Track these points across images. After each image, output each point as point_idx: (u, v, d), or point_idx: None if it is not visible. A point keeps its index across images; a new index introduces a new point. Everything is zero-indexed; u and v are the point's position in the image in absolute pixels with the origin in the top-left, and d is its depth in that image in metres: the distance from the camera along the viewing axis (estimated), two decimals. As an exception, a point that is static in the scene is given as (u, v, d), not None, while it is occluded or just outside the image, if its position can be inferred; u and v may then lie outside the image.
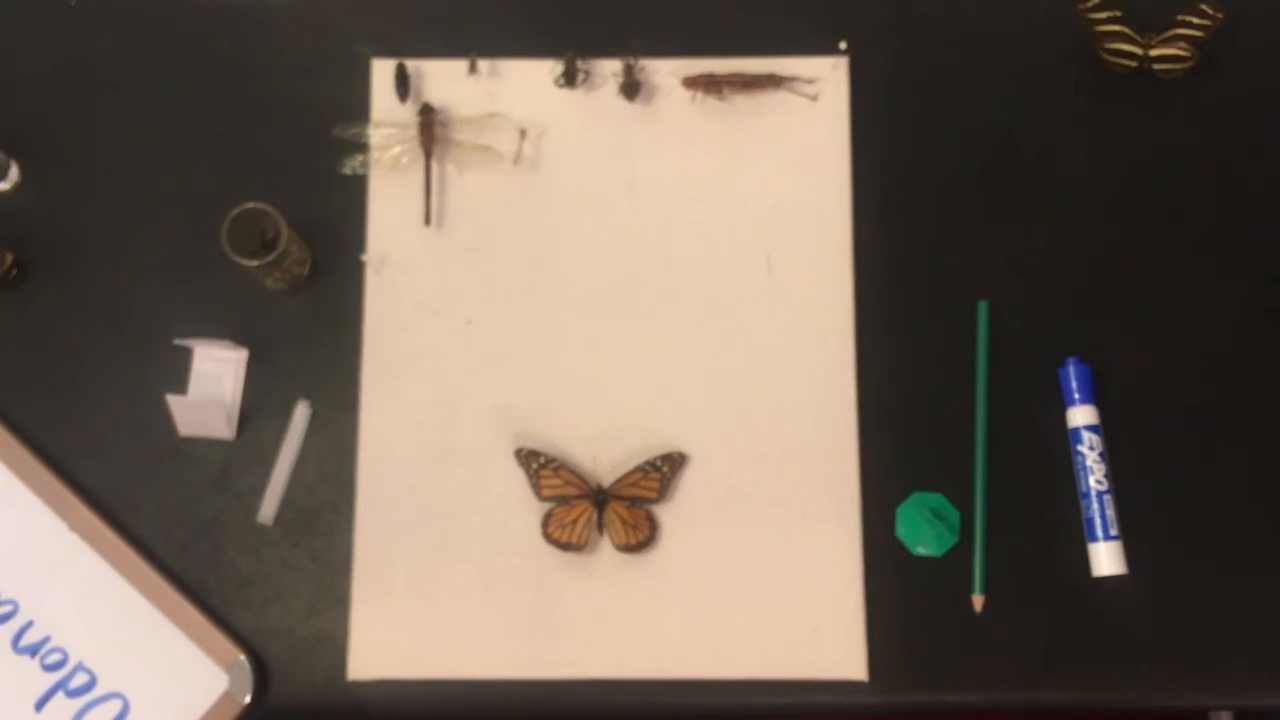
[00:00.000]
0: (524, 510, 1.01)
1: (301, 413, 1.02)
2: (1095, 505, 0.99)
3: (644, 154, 1.07)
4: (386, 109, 1.07)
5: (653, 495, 1.01)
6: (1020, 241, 1.05)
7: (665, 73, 1.08)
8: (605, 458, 1.02)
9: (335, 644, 1.00)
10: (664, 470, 1.01)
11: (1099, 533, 0.99)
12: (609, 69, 1.07)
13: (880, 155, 1.06)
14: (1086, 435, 1.00)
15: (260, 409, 1.03)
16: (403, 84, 1.07)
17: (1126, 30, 1.05)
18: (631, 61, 1.07)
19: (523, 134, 1.07)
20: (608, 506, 1.00)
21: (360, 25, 1.09)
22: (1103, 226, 1.05)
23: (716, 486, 1.02)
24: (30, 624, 0.99)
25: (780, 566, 1.00)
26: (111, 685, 0.98)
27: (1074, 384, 1.01)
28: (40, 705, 0.98)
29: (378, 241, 1.05)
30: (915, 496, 1.01)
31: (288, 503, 1.02)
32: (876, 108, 1.07)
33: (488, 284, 1.05)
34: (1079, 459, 1.00)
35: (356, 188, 1.06)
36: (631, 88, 1.06)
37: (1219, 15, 1.05)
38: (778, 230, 1.05)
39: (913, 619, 0.99)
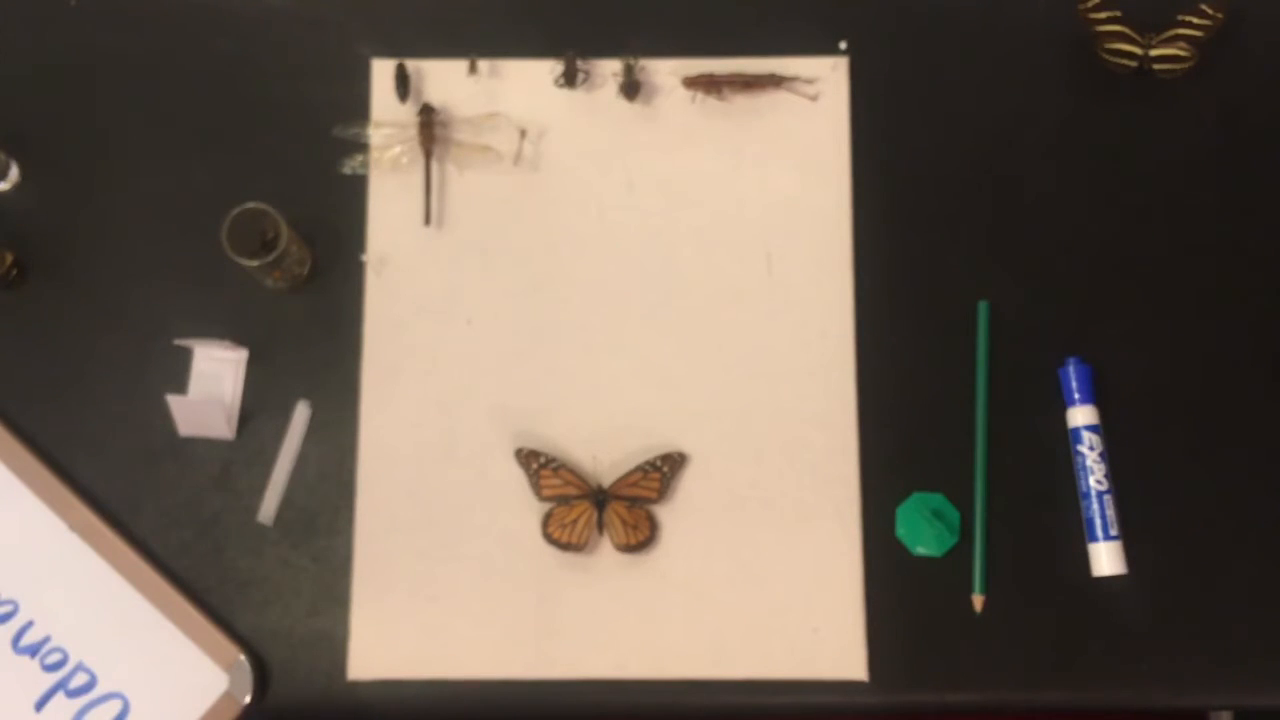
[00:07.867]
0: (524, 510, 1.01)
1: (301, 413, 1.03)
2: (1095, 505, 0.99)
3: (644, 154, 1.07)
4: (386, 109, 1.07)
5: (653, 495, 1.01)
6: (1020, 241, 1.05)
7: (665, 73, 1.08)
8: (605, 458, 1.02)
9: (335, 644, 1.00)
10: (664, 470, 1.01)
11: (1099, 533, 0.99)
12: (609, 69, 1.07)
13: (880, 155, 1.06)
14: (1086, 435, 1.00)
15: (260, 409, 1.03)
16: (403, 84, 1.07)
17: (1126, 30, 1.05)
18: (631, 61, 1.06)
19: (523, 134, 1.07)
20: (608, 506, 1.00)
21: (360, 25, 1.09)
22: (1103, 226, 1.05)
23: (716, 486, 1.02)
24: (30, 624, 0.99)
25: (780, 566, 1.00)
26: (111, 685, 0.98)
27: (1074, 384, 1.01)
28: (40, 705, 0.98)
29: (378, 241, 1.05)
30: (915, 496, 1.01)
31: (288, 503, 1.02)
32: (876, 108, 1.07)
33: (488, 284, 1.05)
34: (1079, 459, 1.00)
35: (356, 188, 1.06)
36: (631, 88, 1.06)
37: (1219, 15, 1.05)
38: (778, 230, 1.05)
39: (913, 619, 0.99)
